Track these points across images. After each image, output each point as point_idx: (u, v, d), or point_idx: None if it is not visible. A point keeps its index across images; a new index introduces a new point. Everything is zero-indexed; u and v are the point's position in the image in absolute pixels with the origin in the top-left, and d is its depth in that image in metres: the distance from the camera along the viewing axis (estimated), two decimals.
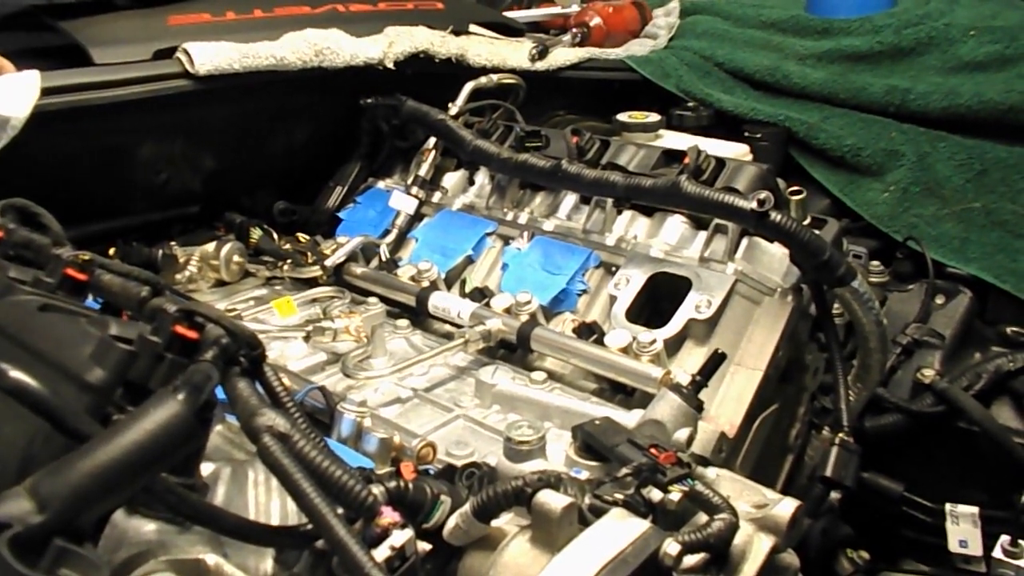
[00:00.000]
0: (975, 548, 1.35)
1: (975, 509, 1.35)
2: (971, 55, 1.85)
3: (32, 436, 0.59)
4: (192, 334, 0.67)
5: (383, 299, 1.40)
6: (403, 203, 1.57)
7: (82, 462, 0.54)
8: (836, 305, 1.23)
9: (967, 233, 1.67)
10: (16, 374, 0.57)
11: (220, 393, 0.67)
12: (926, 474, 1.46)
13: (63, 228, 0.98)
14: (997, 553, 1.22)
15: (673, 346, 1.20)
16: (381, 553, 0.62)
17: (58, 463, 0.54)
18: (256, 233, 1.57)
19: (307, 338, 1.26)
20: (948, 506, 1.37)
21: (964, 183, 1.73)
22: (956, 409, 1.39)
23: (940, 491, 1.42)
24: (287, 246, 1.55)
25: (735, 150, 1.65)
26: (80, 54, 1.40)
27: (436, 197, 1.60)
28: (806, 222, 1.24)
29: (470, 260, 1.48)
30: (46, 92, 1.24)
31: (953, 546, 1.37)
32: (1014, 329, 1.54)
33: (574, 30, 2.14)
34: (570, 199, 1.45)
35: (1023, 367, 1.43)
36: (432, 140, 1.62)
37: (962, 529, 1.36)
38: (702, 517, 0.77)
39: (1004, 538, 1.23)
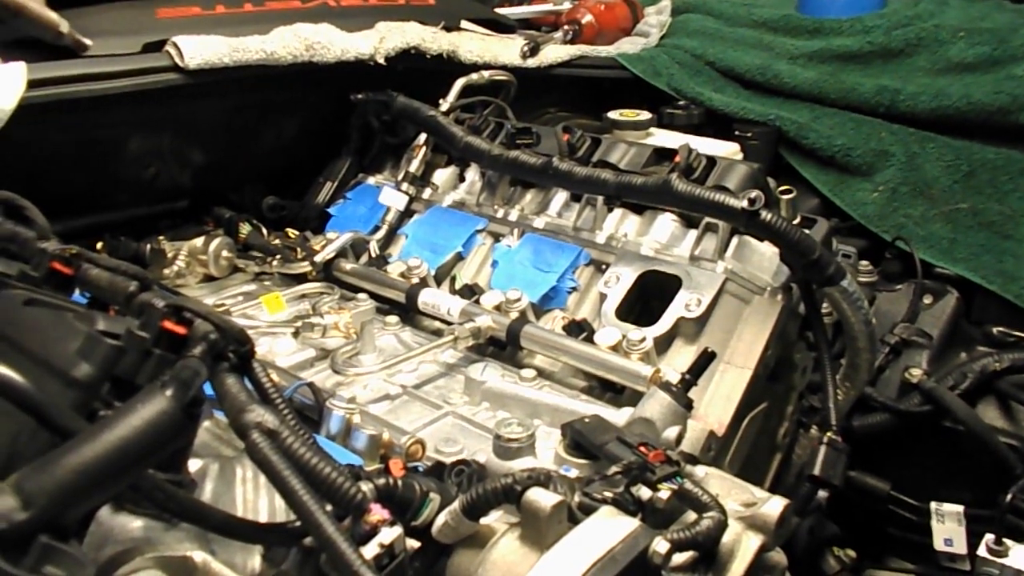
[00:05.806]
0: (960, 546, 1.36)
1: (960, 508, 1.36)
2: (960, 56, 1.86)
3: (17, 432, 0.58)
4: (180, 329, 0.66)
5: (373, 295, 1.40)
6: (393, 199, 1.57)
7: (68, 458, 0.54)
8: (825, 304, 1.24)
9: (955, 233, 1.68)
10: (1, 369, 0.57)
11: (208, 389, 0.66)
12: (912, 473, 1.47)
13: (50, 222, 0.97)
14: (982, 551, 1.23)
15: (663, 344, 1.20)
16: (370, 550, 0.62)
17: (43, 459, 0.54)
18: (245, 228, 1.56)
19: (296, 334, 1.26)
20: (934, 505, 1.38)
21: (952, 184, 1.74)
22: (942, 408, 1.40)
23: (926, 490, 1.43)
24: (276, 241, 1.54)
25: (725, 149, 1.65)
26: (67, 46, 1.39)
27: (426, 193, 1.60)
28: (796, 221, 1.24)
29: (460, 257, 1.47)
30: (32, 84, 1.23)
31: (938, 544, 1.38)
32: (1000, 329, 1.55)
33: (565, 27, 2.14)
34: (561, 196, 1.45)
35: (1008, 367, 1.44)
36: (423, 136, 1.61)
37: (947, 528, 1.37)
38: (691, 515, 0.77)
39: (989, 536, 1.24)
